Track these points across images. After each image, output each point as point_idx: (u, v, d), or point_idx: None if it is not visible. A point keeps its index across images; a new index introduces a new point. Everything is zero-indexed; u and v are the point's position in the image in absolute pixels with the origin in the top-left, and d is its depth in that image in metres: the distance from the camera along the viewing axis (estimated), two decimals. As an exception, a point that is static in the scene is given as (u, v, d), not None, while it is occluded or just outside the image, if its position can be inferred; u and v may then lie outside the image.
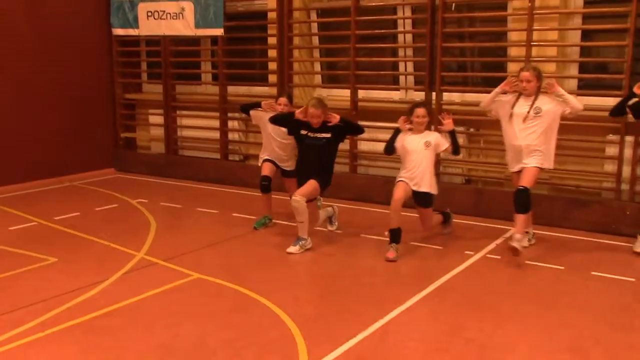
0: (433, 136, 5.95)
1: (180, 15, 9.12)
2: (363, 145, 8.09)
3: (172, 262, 5.60)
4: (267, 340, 4.06)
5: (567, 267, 5.52)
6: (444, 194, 6.43)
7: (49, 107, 9.06)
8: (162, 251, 5.89)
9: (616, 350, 3.97)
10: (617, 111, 5.81)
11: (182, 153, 9.88)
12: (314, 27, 8.69)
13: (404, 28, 7.99)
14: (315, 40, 8.75)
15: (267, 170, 6.68)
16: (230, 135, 9.28)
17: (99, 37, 9.79)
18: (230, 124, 9.20)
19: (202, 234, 6.56)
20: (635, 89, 5.59)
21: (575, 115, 5.72)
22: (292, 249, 5.89)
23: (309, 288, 5.33)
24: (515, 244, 5.48)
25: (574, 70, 7.09)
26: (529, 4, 6.78)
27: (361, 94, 8.14)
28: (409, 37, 8.00)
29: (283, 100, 6.64)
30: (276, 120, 6.32)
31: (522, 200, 5.61)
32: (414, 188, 5.81)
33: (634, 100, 5.64)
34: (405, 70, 8.13)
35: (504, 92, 5.90)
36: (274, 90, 8.67)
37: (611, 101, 6.70)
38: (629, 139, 6.50)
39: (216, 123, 9.31)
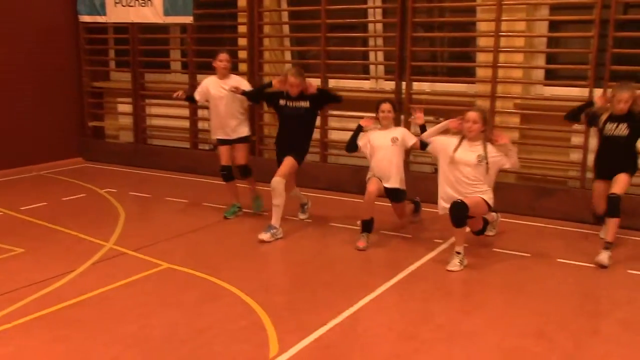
0: (399, 131, 5.92)
1: (149, 2, 9.00)
2: (334, 135, 8.12)
3: (141, 252, 5.56)
4: (238, 329, 4.07)
5: (533, 254, 5.62)
6: (414, 183, 6.48)
7: (14, 96, 8.87)
8: (132, 241, 5.84)
9: (580, 335, 4.06)
10: (572, 117, 5.75)
11: (151, 142, 9.79)
12: (285, 16, 8.66)
13: (375, 17, 8.01)
14: (286, 29, 8.72)
15: (224, 159, 6.65)
16: (200, 124, 9.22)
17: (65, 25, 9.61)
18: (200, 112, 9.13)
19: (171, 223, 6.51)
20: (596, 100, 5.62)
21: (512, 169, 5.48)
22: (264, 236, 5.88)
23: (279, 277, 5.35)
24: (452, 265, 5.21)
25: (541, 60, 7.20)
26: (498, -5, 6.85)
27: (332, 83, 8.14)
28: (379, 26, 8.03)
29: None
30: (253, 94, 6.40)
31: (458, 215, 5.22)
32: (384, 184, 5.79)
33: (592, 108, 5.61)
34: (376, 59, 8.15)
35: (449, 130, 5.52)
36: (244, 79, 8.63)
37: (577, 91, 6.84)
38: (594, 128, 6.61)
39: (186, 112, 9.24)
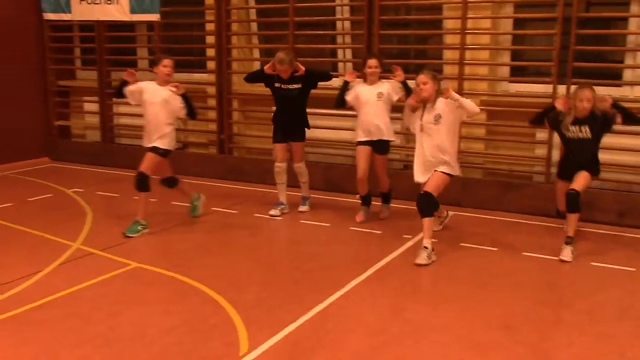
0: (385, 86, 6.19)
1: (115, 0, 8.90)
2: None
3: (109, 252, 5.51)
4: (208, 327, 4.07)
5: (500, 248, 5.72)
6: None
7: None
8: (99, 241, 5.78)
9: (544, 326, 4.15)
10: (537, 121, 5.88)
11: (119, 141, 9.69)
12: (252, 14, 8.64)
13: (342, 15, 8.04)
14: (254, 26, 8.70)
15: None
16: (169, 123, 9.12)
17: (29, 22, 9.46)
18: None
19: (140, 222, 6.46)
20: (557, 104, 5.69)
21: (472, 117, 5.66)
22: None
23: (249, 274, 5.34)
24: (420, 259, 5.28)
25: (506, 57, 7.29)
26: (463, -7, 6.93)
27: (300, 80, 8.14)
28: (347, 24, 8.06)
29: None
30: (251, 78, 6.69)
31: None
32: (372, 138, 6.13)
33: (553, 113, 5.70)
34: (344, 57, 8.19)
35: (414, 108, 5.67)
36: (212, 77, 8.60)
37: (541, 88, 6.97)
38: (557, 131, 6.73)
39: (154, 110, 9.14)
